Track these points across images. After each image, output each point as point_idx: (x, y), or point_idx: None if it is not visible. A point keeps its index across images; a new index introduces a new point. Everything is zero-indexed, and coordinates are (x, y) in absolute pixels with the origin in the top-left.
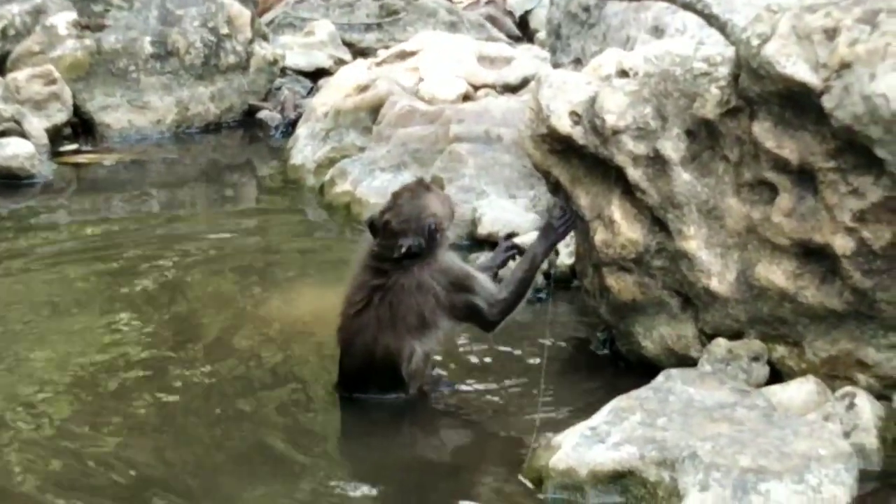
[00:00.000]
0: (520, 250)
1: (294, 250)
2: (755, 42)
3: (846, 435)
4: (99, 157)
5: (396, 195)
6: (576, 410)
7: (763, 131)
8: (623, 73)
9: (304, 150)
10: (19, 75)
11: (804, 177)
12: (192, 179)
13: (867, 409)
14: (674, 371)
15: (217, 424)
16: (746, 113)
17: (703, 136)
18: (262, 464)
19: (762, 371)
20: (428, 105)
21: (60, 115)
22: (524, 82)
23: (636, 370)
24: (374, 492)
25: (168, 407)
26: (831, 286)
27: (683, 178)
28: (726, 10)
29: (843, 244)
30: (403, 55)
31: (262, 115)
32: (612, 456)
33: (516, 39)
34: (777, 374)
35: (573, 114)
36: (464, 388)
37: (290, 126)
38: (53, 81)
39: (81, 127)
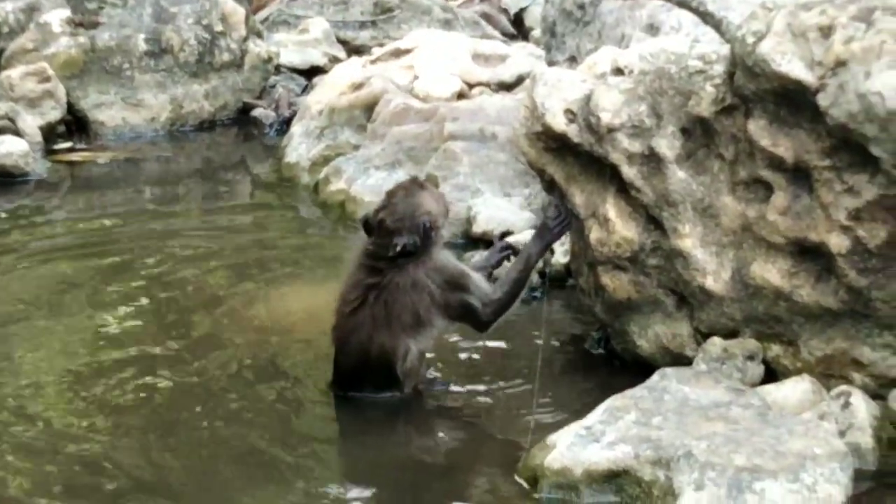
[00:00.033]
0: (514, 251)
1: (288, 248)
2: (750, 40)
3: (841, 434)
4: (93, 155)
5: (391, 193)
6: (570, 409)
7: (758, 129)
8: (618, 71)
9: (299, 148)
10: (13, 73)
11: (799, 175)
12: (186, 177)
13: (862, 408)
14: (669, 370)
15: (208, 424)
16: (741, 111)
17: (698, 134)
18: (255, 463)
19: (757, 370)
20: (422, 103)
21: (54, 112)
22: (519, 80)
23: (631, 369)
24: (368, 491)
25: (157, 407)
26: (826, 285)
27: (678, 176)
28: (721, 8)
29: (838, 242)
30: (398, 53)
31: (256, 112)
32: (607, 455)
33: (511, 37)
34: (772, 373)
35: (568, 112)
36: (458, 387)
37: (285, 124)
38: (47, 79)
39: (75, 125)
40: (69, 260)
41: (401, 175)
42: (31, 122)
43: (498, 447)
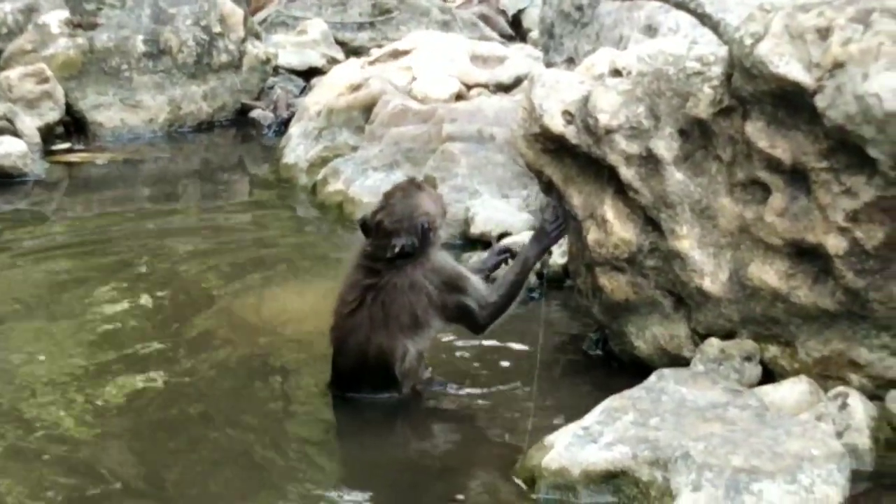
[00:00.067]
0: (512, 254)
1: (285, 249)
2: (748, 41)
3: (839, 435)
4: (91, 156)
5: (389, 195)
6: (568, 410)
7: (756, 131)
8: (616, 73)
9: (297, 149)
10: (11, 74)
11: (797, 176)
12: (184, 178)
13: (859, 409)
14: (666, 371)
15: (203, 426)
16: (739, 112)
17: (696, 135)
18: (252, 462)
19: (755, 371)
20: (421, 104)
21: (53, 113)
22: (517, 81)
23: (629, 370)
24: (366, 490)
25: (150, 409)
26: (824, 286)
27: (676, 177)
28: (719, 10)
29: (835, 244)
30: (396, 54)
31: (254, 114)
32: (604, 456)
33: (509, 38)
34: (769, 374)
35: (566, 113)
36: (456, 387)
37: (283, 125)
38: (46, 80)
39: (74, 126)
40: (65, 259)
41: (399, 176)
42: (30, 123)
43: (496, 448)
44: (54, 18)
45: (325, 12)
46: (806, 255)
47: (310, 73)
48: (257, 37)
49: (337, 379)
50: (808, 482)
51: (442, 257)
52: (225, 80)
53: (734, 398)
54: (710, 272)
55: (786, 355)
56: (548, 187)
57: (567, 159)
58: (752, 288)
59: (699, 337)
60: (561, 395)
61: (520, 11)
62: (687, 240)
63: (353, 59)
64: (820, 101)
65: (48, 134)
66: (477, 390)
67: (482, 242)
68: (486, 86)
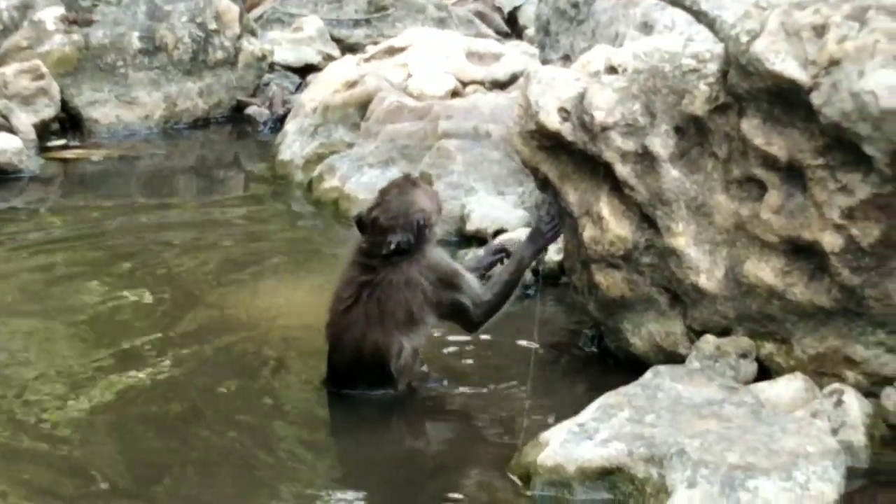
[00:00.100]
0: (508, 253)
1: (280, 245)
2: (744, 39)
3: (834, 432)
4: (86, 153)
5: (384, 191)
6: (564, 407)
7: (752, 128)
8: (612, 70)
9: (293, 145)
10: (7, 70)
11: (793, 174)
12: (179, 175)
13: (855, 406)
14: (662, 368)
15: (196, 424)
16: (735, 110)
17: (692, 132)
18: (245, 460)
19: (750, 368)
20: (416, 101)
21: (48, 110)
22: (513, 78)
23: (624, 367)
24: (362, 487)
25: (142, 406)
26: (820, 283)
27: (672, 174)
28: (715, 7)
29: (831, 241)
30: (392, 51)
31: (250, 110)
32: (600, 452)
33: (505, 36)
34: (765, 371)
35: (562, 110)
36: (452, 384)
37: (279, 122)
38: (41, 76)
39: (69, 122)
40: (59, 254)
41: (394, 173)
42: (25, 120)
43: (491, 444)
44: (50, 15)
45: (320, 9)
46: (802, 253)
47: (305, 70)
48: (253, 33)
49: (332, 375)
50: (803, 479)
51: (437, 254)
52: (221, 77)
53: (730, 395)
54: (705, 269)
55: (781, 352)
56: (543, 184)
57: (563, 156)
58: (748, 285)
59: (695, 334)
60: (556, 391)
61: (516, 8)
62: (683, 237)
63: (348, 56)
64: (816, 99)
65: (43, 130)
66: (472, 387)
67: (478, 239)
68: (481, 83)
